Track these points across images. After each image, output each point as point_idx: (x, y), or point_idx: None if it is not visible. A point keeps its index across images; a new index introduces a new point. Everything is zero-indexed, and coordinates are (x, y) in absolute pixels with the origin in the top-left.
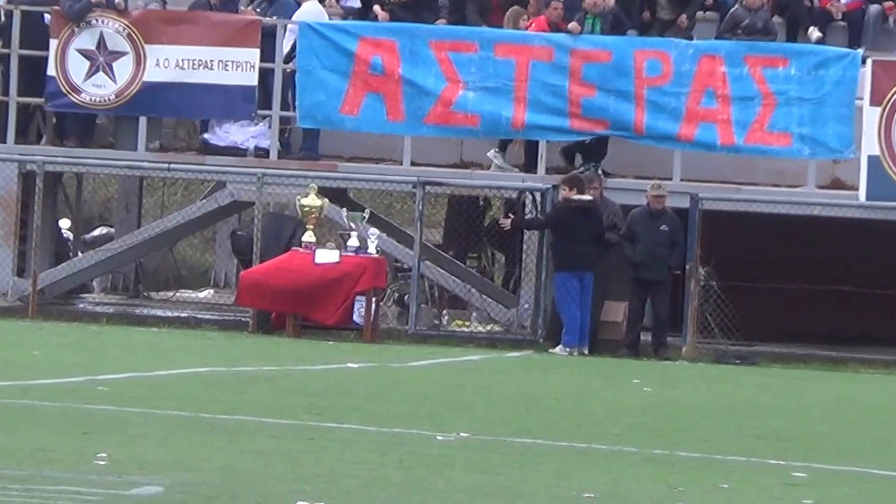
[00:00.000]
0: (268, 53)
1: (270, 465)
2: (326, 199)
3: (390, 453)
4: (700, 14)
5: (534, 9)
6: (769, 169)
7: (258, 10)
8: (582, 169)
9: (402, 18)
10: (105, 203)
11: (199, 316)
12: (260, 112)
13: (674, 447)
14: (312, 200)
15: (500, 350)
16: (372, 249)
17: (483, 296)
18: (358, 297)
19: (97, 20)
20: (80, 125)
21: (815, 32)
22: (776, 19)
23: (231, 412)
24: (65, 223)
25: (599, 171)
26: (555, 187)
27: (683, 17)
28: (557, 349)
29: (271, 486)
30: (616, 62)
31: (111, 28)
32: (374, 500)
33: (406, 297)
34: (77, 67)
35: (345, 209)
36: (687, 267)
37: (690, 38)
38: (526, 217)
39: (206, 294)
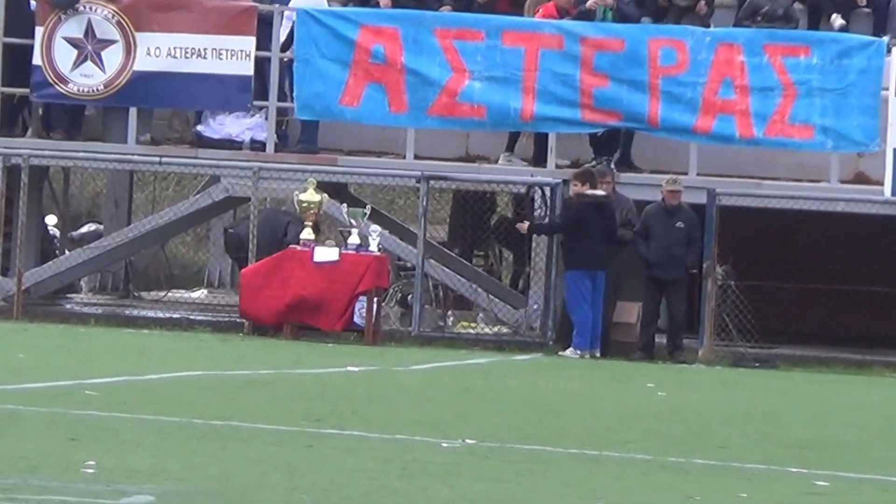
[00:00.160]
0: (264, 41)
1: (267, 473)
2: (326, 195)
3: (393, 461)
4: (718, 0)
5: None
6: (790, 163)
7: None
8: (594, 163)
9: (404, 5)
10: (93, 198)
11: (192, 317)
12: (256, 103)
13: (690, 454)
14: (311, 196)
15: (507, 353)
16: (373, 247)
17: (490, 296)
18: (359, 298)
19: (85, 7)
20: (67, 117)
21: (838, 20)
22: (797, 6)
23: (225, 418)
24: (51, 220)
25: (612, 165)
26: (565, 182)
27: (702, 2)
28: (568, 352)
29: (268, 495)
30: (629, 51)
31: (99, 15)
32: None
33: (409, 297)
34: (64, 56)
35: (345, 205)
36: (704, 266)
37: (708, 25)
38: (543, 222)
39: (199, 294)
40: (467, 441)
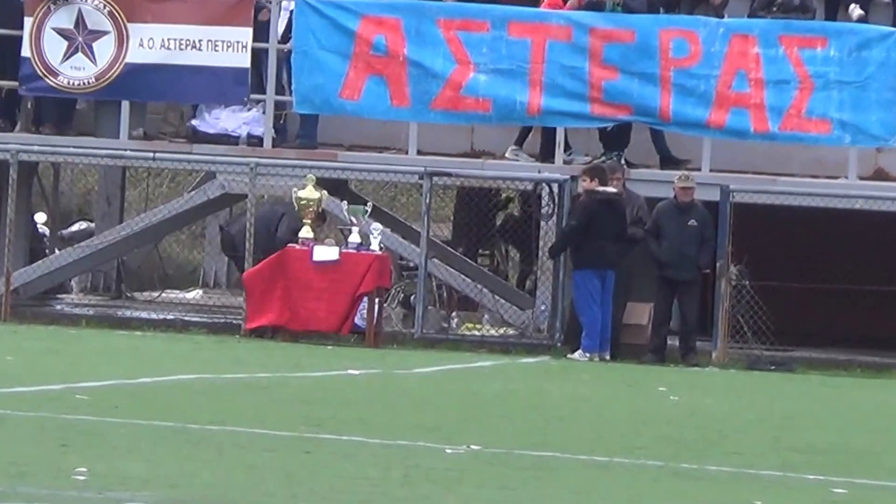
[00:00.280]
0: (261, 32)
1: (264, 480)
2: (325, 192)
3: (394, 468)
4: None
5: None
6: (807, 158)
7: None
8: (603, 159)
9: None
10: (84, 195)
11: (187, 318)
12: (253, 96)
13: (703, 461)
14: (310, 193)
15: (514, 355)
16: (375, 246)
17: (496, 296)
18: (361, 299)
19: None
20: (57, 111)
21: (856, 10)
22: None
23: (221, 423)
24: (40, 217)
25: (622, 161)
26: (574, 178)
27: None
28: (576, 354)
29: (265, 502)
30: (640, 42)
31: (90, 5)
32: None
33: (412, 297)
34: (54, 48)
35: (345, 202)
36: (717, 265)
37: (721, 16)
38: (556, 243)
39: (194, 294)
40: (472, 447)
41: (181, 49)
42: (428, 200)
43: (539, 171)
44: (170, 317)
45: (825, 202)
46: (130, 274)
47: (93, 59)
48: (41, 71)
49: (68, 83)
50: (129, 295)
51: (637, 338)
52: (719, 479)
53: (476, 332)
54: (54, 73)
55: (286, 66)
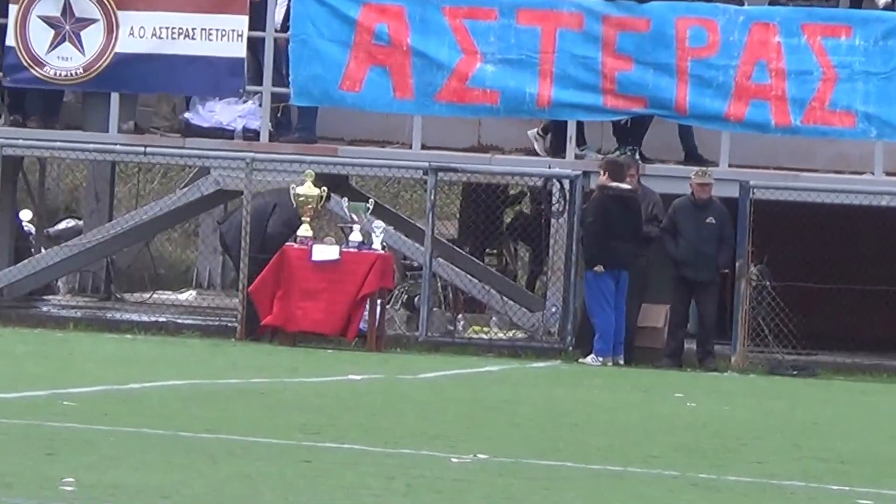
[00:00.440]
0: (258, 21)
1: (260, 491)
2: (325, 188)
3: (397, 478)
4: None
5: None
6: (830, 153)
7: None
8: (617, 153)
9: None
10: (72, 192)
11: (180, 321)
12: (249, 88)
13: (721, 471)
14: (309, 189)
15: (523, 360)
16: (377, 245)
17: (504, 298)
18: (364, 302)
19: None
20: (43, 103)
21: None
22: None
23: (215, 430)
24: (26, 215)
25: (637, 156)
26: (586, 174)
27: None
28: (589, 359)
29: None
30: (655, 31)
31: None
32: None
33: (416, 299)
34: (40, 37)
35: (346, 199)
36: (737, 265)
37: (741, 3)
38: (585, 231)
39: (187, 296)
40: (479, 456)
41: (173, 38)
42: (432, 197)
43: (549, 167)
44: (161, 319)
45: (849, 199)
46: (120, 274)
47: (81, 49)
48: (26, 61)
49: (55, 74)
50: (118, 296)
51: (652, 341)
52: (738, 490)
53: (483, 336)
54: (40, 64)
55: (284, 56)
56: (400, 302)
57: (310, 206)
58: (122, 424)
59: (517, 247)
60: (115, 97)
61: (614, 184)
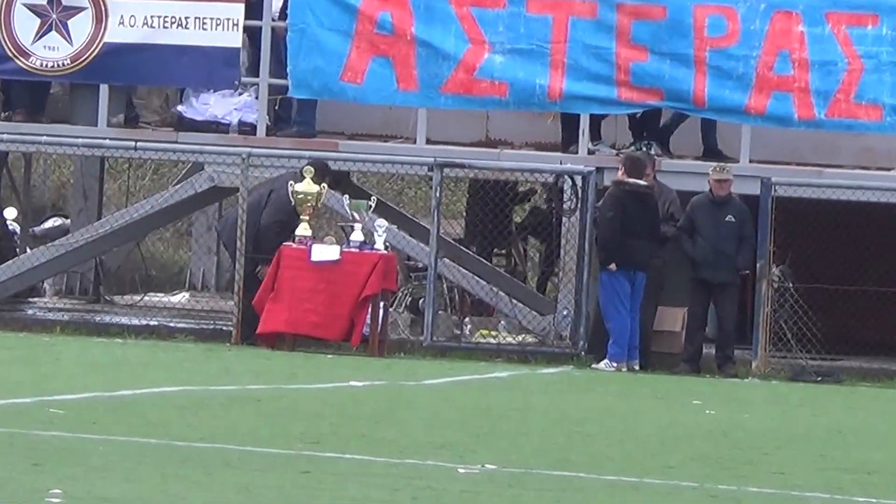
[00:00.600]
0: (255, 9)
1: (258, 503)
2: (325, 185)
3: (402, 489)
4: None
5: None
6: (856, 147)
7: None
8: (632, 148)
9: None
10: (59, 189)
11: (172, 324)
12: (245, 80)
13: (742, 482)
14: (308, 186)
15: (533, 365)
16: (379, 244)
17: (513, 300)
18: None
19: None
20: (28, 95)
21: None
22: None
23: (210, 439)
24: (10, 213)
25: (653, 151)
26: (599, 170)
27: None
28: (602, 364)
29: None
30: (672, 19)
31: None
32: None
33: (420, 301)
34: (25, 26)
35: (347, 196)
36: (757, 266)
37: None
38: (603, 228)
39: (180, 298)
40: (487, 466)
41: (166, 27)
42: (438, 194)
43: (560, 163)
44: (153, 322)
45: (876, 196)
46: (109, 275)
47: (68, 39)
48: (11, 51)
49: (41, 65)
50: (107, 298)
51: (669, 346)
52: (760, 502)
53: (491, 340)
54: (25, 54)
55: (282, 46)
56: (403, 305)
57: (309, 204)
58: (112, 433)
59: (526, 247)
60: (104, 89)
61: (631, 180)
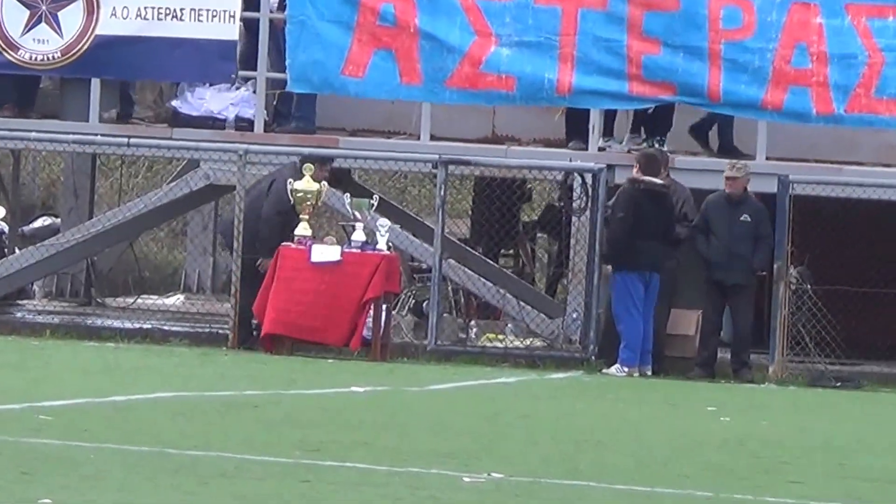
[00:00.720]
0: (252, 0)
1: None
2: (325, 182)
3: (405, 499)
4: None
5: None
6: (876, 144)
7: None
8: (644, 145)
9: None
10: (49, 187)
11: (166, 328)
12: (242, 74)
13: (758, 492)
14: (308, 184)
15: (541, 370)
16: (382, 245)
17: (521, 302)
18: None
19: None
20: (17, 90)
21: None
22: None
23: (205, 447)
24: None
25: (664, 148)
26: (610, 167)
27: None
28: (613, 369)
29: None
30: (685, 11)
31: None
32: None
33: (424, 304)
34: (14, 18)
35: (348, 195)
36: (775, 267)
37: None
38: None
39: (174, 300)
40: (493, 475)
41: (160, 19)
42: (443, 193)
43: (570, 160)
44: (146, 326)
45: None
46: (101, 277)
47: (58, 31)
48: None
49: (30, 58)
50: (99, 301)
51: (683, 350)
52: None
53: (498, 344)
54: (14, 47)
55: (281, 38)
56: (407, 307)
57: (308, 203)
58: (104, 441)
59: (535, 247)
60: (95, 83)
61: (647, 178)
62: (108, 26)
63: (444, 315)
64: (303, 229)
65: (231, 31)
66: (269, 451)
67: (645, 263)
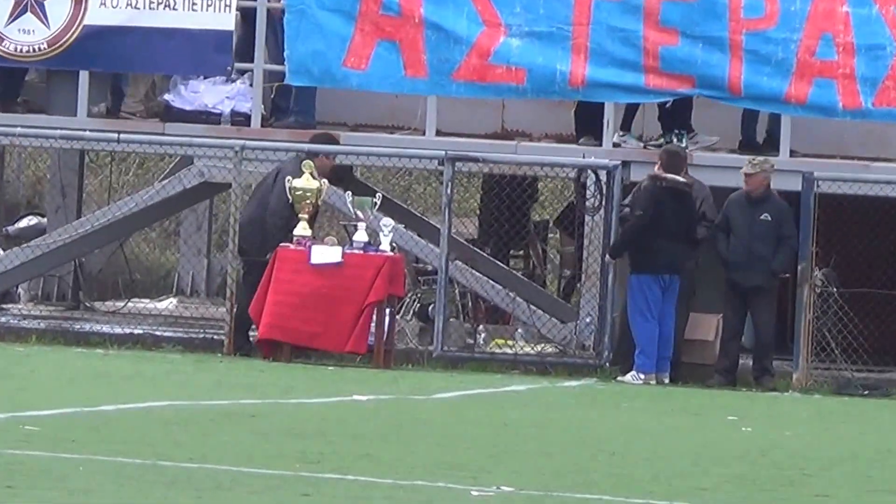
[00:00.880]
0: None
1: None
2: (325, 180)
3: None
4: None
5: None
6: None
7: None
8: (662, 141)
9: None
10: (34, 185)
11: (158, 333)
12: (238, 66)
13: None
14: (307, 182)
15: (553, 378)
16: (385, 245)
17: (531, 306)
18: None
19: None
20: (1, 83)
21: None
22: None
23: (200, 459)
24: None
25: (685, 143)
26: (625, 164)
27: None
28: (629, 377)
29: None
30: (705, 0)
31: None
32: None
33: (430, 308)
34: None
35: (349, 193)
36: (798, 269)
37: None
38: (628, 223)
39: (167, 304)
40: (503, 488)
41: (152, 8)
42: (449, 191)
43: (583, 156)
44: (137, 331)
45: None
46: (90, 279)
47: (45, 21)
48: None
49: (15, 49)
50: (88, 305)
51: (702, 356)
52: None
53: (507, 350)
54: None
55: (279, 29)
56: (412, 311)
57: (308, 202)
58: (93, 452)
59: (546, 248)
60: (84, 76)
61: (669, 175)
62: (97, 16)
63: (451, 319)
64: (302, 229)
65: (227, 21)
66: (268, 463)
67: (664, 265)
